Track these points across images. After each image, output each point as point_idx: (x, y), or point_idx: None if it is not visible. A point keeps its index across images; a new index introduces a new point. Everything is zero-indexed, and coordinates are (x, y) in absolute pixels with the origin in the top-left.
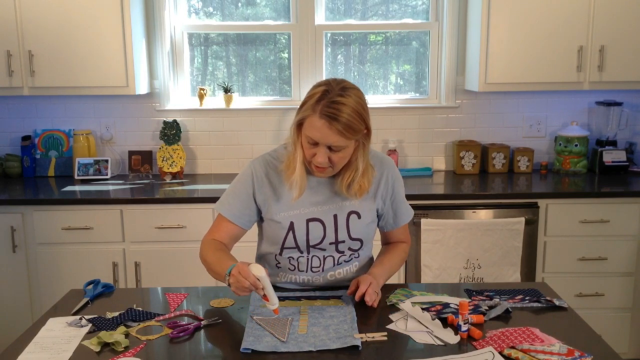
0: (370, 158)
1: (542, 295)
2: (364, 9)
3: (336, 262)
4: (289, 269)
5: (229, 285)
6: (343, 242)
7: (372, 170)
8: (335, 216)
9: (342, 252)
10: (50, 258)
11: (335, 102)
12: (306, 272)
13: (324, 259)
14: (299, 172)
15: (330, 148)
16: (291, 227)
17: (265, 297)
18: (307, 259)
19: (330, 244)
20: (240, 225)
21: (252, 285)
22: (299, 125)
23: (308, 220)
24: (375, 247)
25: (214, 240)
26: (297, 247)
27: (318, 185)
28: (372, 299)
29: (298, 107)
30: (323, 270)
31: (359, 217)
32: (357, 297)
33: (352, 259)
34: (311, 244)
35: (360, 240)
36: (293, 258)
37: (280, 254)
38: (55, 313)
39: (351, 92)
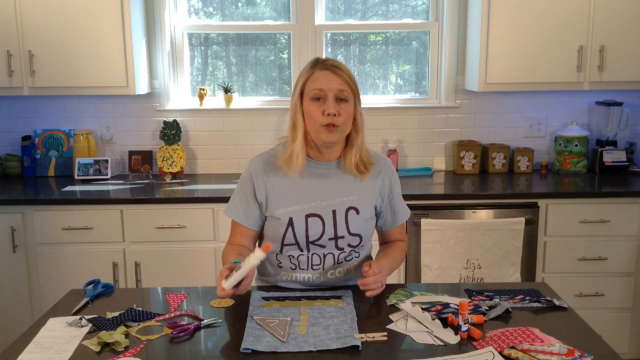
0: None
1: (542, 295)
2: (364, 9)
3: (336, 260)
4: (290, 267)
5: None
6: (342, 237)
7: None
8: (334, 212)
9: (342, 248)
10: (50, 258)
11: (330, 60)
12: (307, 270)
13: (324, 256)
14: (300, 143)
15: (336, 100)
16: (290, 222)
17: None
18: (308, 257)
19: (330, 239)
20: (250, 226)
21: (220, 274)
22: (301, 95)
23: (307, 216)
24: (373, 247)
25: (230, 245)
26: (297, 243)
27: (317, 181)
28: (375, 286)
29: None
30: (324, 269)
31: (358, 212)
32: (364, 276)
33: (352, 257)
34: (310, 239)
35: (360, 236)
36: (293, 257)
37: (281, 251)
38: (55, 313)
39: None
